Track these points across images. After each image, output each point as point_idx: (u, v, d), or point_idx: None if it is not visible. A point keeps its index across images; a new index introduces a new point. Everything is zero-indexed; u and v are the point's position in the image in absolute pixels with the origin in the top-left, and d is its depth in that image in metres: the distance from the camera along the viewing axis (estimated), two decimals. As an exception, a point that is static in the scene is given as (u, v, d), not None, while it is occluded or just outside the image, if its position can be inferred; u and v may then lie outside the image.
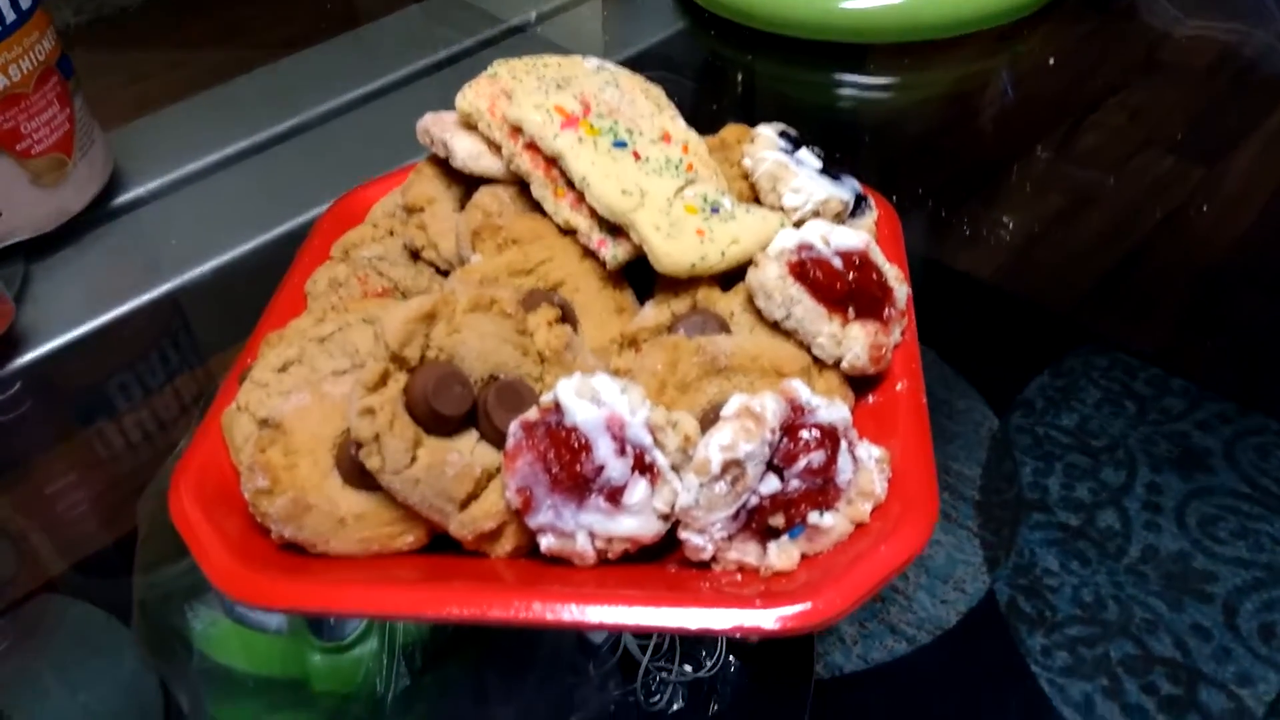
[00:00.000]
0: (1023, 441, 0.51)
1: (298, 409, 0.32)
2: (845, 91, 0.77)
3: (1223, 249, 0.61)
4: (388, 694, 0.37)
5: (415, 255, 0.40)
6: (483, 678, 0.39)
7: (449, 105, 0.41)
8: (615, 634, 0.42)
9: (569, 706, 0.41)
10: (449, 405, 0.30)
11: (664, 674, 0.41)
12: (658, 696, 0.41)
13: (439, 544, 0.32)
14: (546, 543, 0.30)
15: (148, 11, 0.91)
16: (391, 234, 0.42)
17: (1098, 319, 0.58)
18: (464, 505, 0.30)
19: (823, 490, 0.30)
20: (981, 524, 0.47)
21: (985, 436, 0.51)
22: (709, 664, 0.41)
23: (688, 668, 0.41)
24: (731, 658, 0.42)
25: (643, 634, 0.41)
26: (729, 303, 0.36)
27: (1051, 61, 0.78)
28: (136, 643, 0.41)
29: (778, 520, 0.30)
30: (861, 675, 0.42)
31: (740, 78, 0.80)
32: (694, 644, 0.42)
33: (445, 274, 0.40)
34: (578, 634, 0.42)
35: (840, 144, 0.69)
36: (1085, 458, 0.50)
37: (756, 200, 0.39)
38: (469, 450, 0.31)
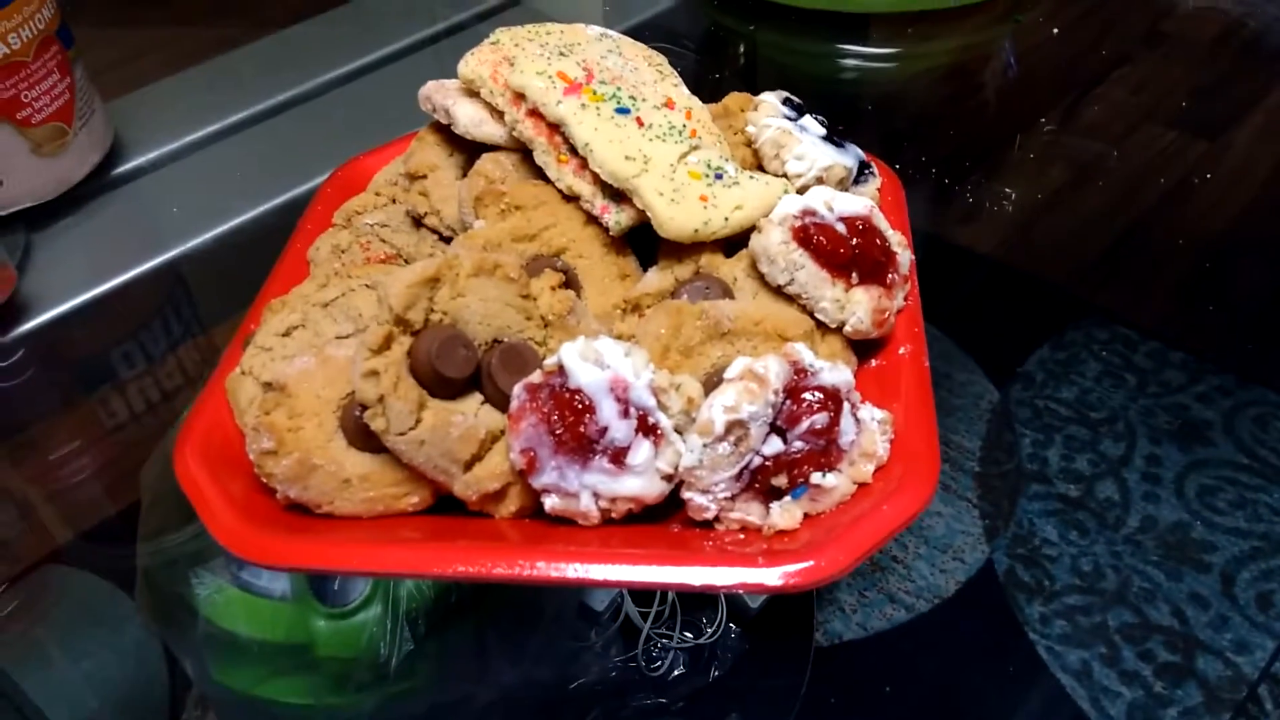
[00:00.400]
0: (1023, 414, 0.51)
1: (302, 372, 0.32)
2: (847, 62, 0.77)
3: (1224, 223, 0.61)
4: (391, 659, 0.37)
5: (418, 222, 0.40)
6: (485, 643, 0.39)
7: (449, 75, 0.41)
8: (617, 601, 0.42)
9: (571, 672, 0.41)
10: (453, 367, 0.30)
11: (665, 641, 0.41)
12: (659, 663, 0.41)
13: (443, 506, 0.32)
14: (551, 503, 0.30)
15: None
16: (394, 201, 0.42)
17: (1098, 292, 0.58)
18: (468, 466, 0.31)
19: (825, 451, 0.30)
20: (981, 495, 0.48)
21: (985, 409, 0.51)
22: (709, 631, 0.42)
23: (688, 634, 0.41)
24: (732, 625, 0.42)
25: (644, 601, 0.42)
26: (732, 268, 0.36)
27: (1055, 33, 0.77)
28: (140, 610, 0.41)
29: (780, 480, 0.30)
30: (861, 643, 0.43)
31: (742, 49, 0.79)
32: (694, 611, 0.42)
33: (448, 240, 0.40)
34: (579, 600, 0.42)
35: (842, 115, 0.69)
36: (1085, 430, 0.50)
37: (760, 167, 0.39)
38: (473, 412, 0.31)
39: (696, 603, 0.42)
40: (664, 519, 0.32)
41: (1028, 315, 0.57)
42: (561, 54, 0.40)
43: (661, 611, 0.42)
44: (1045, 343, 0.55)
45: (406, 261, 0.39)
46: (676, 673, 0.41)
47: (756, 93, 0.42)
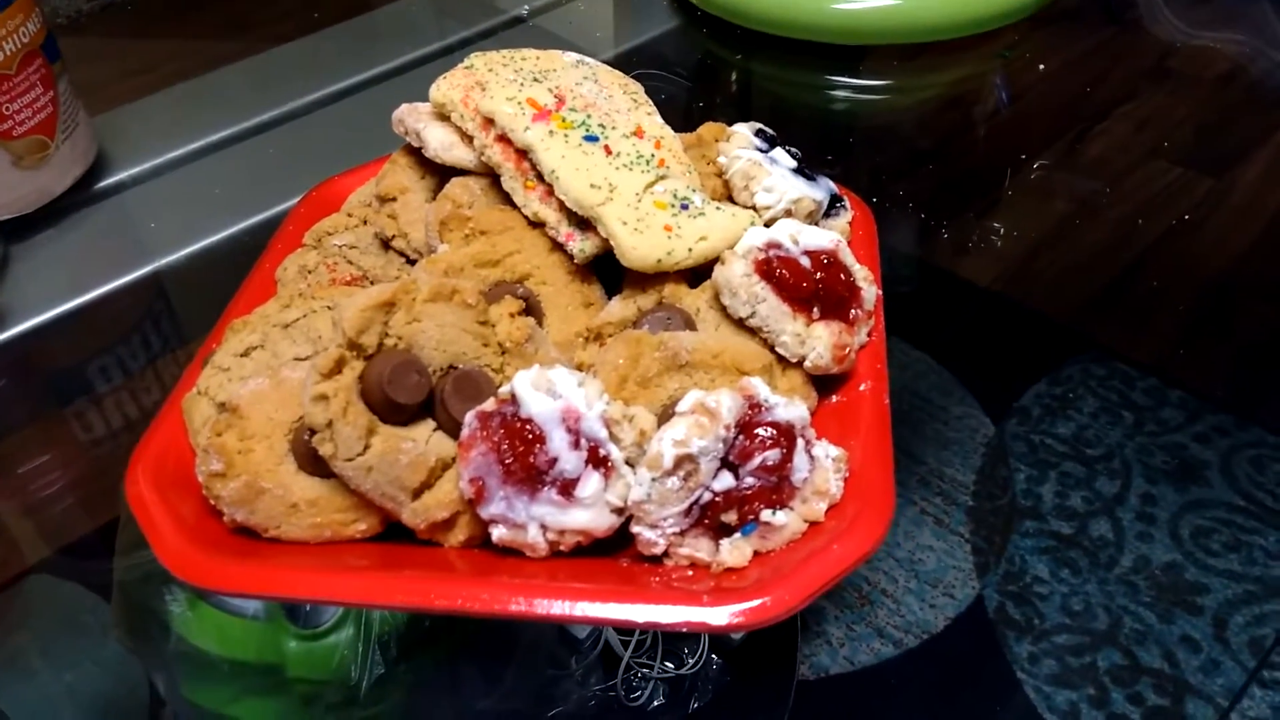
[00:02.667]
0: (1018, 449, 0.51)
1: (255, 393, 0.32)
2: (839, 93, 0.77)
3: (1226, 261, 0.61)
4: (362, 682, 0.36)
5: (386, 244, 0.40)
6: (459, 669, 0.39)
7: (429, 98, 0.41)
8: (597, 628, 0.41)
9: (549, 700, 0.40)
10: (404, 393, 0.30)
11: (645, 670, 0.40)
12: (639, 693, 0.40)
13: (394, 533, 0.32)
14: (498, 534, 0.30)
15: (155, 2, 0.91)
16: (365, 223, 0.42)
17: (1098, 328, 0.57)
18: (417, 494, 0.30)
19: (777, 488, 0.30)
20: (973, 530, 0.47)
21: (981, 443, 0.51)
22: (690, 661, 0.41)
23: (669, 665, 0.41)
24: (714, 656, 0.42)
25: (625, 629, 0.41)
26: (696, 299, 0.36)
27: (1048, 68, 0.77)
28: (114, 625, 0.41)
29: (730, 517, 0.30)
30: (847, 677, 0.42)
31: (733, 77, 0.79)
32: (676, 641, 0.42)
33: (415, 264, 0.40)
34: (559, 627, 0.42)
35: (833, 146, 0.69)
36: (1080, 466, 0.50)
37: (730, 198, 0.39)
38: (424, 439, 0.31)
39: (678, 633, 0.42)
40: (615, 552, 0.31)
41: (1025, 349, 0.56)
42: (535, 80, 0.40)
43: (643, 640, 0.42)
44: (1043, 378, 0.54)
45: (372, 283, 0.39)
46: (656, 703, 0.40)
47: (746, 121, 0.42)
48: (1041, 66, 0.77)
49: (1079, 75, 0.77)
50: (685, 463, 0.29)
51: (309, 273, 0.39)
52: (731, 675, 0.41)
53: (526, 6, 0.84)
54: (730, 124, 0.42)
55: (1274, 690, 0.41)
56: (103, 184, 0.66)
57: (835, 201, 0.40)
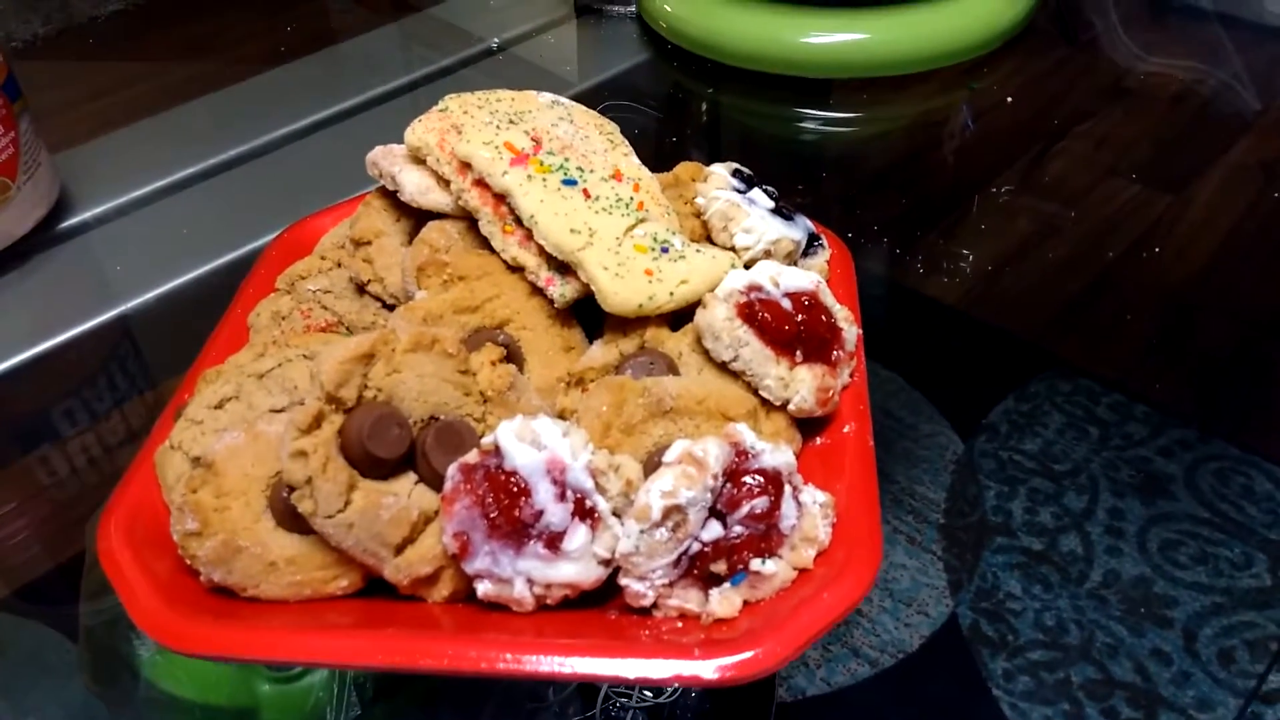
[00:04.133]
0: (987, 466, 0.51)
1: (231, 448, 0.31)
2: (808, 125, 0.78)
3: (1186, 276, 0.62)
4: None
5: (361, 289, 0.40)
6: (437, 708, 0.38)
7: (405, 134, 0.40)
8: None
9: (527, 734, 0.40)
10: (385, 447, 0.29)
11: (624, 700, 0.40)
12: None
13: (375, 587, 0.31)
14: (484, 589, 0.29)
15: (115, 24, 0.90)
16: (339, 266, 0.41)
17: (1062, 345, 0.58)
18: (399, 550, 0.30)
19: (766, 536, 0.30)
20: (945, 547, 0.47)
21: (950, 460, 0.51)
22: (669, 690, 0.41)
23: (648, 694, 0.40)
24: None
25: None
26: (678, 343, 0.35)
27: (1011, 99, 0.79)
28: (81, 670, 0.40)
29: (720, 567, 0.29)
30: (824, 698, 0.42)
31: (703, 110, 0.80)
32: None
33: (391, 308, 0.39)
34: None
35: (803, 177, 0.69)
36: (1048, 482, 0.50)
37: (708, 239, 0.39)
38: (406, 493, 0.30)
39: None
40: (602, 603, 0.31)
41: (992, 367, 0.57)
42: (511, 122, 0.40)
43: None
44: (1009, 394, 0.55)
45: (348, 330, 0.39)
46: (636, 733, 0.40)
47: (716, 155, 0.42)
48: (1008, 98, 0.79)
49: (1039, 98, 0.79)
50: (674, 514, 0.29)
51: (283, 319, 0.39)
52: (710, 702, 0.40)
53: (496, 40, 0.84)
54: (700, 157, 0.42)
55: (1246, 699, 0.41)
56: (66, 224, 0.64)
57: (813, 240, 0.40)
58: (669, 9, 0.81)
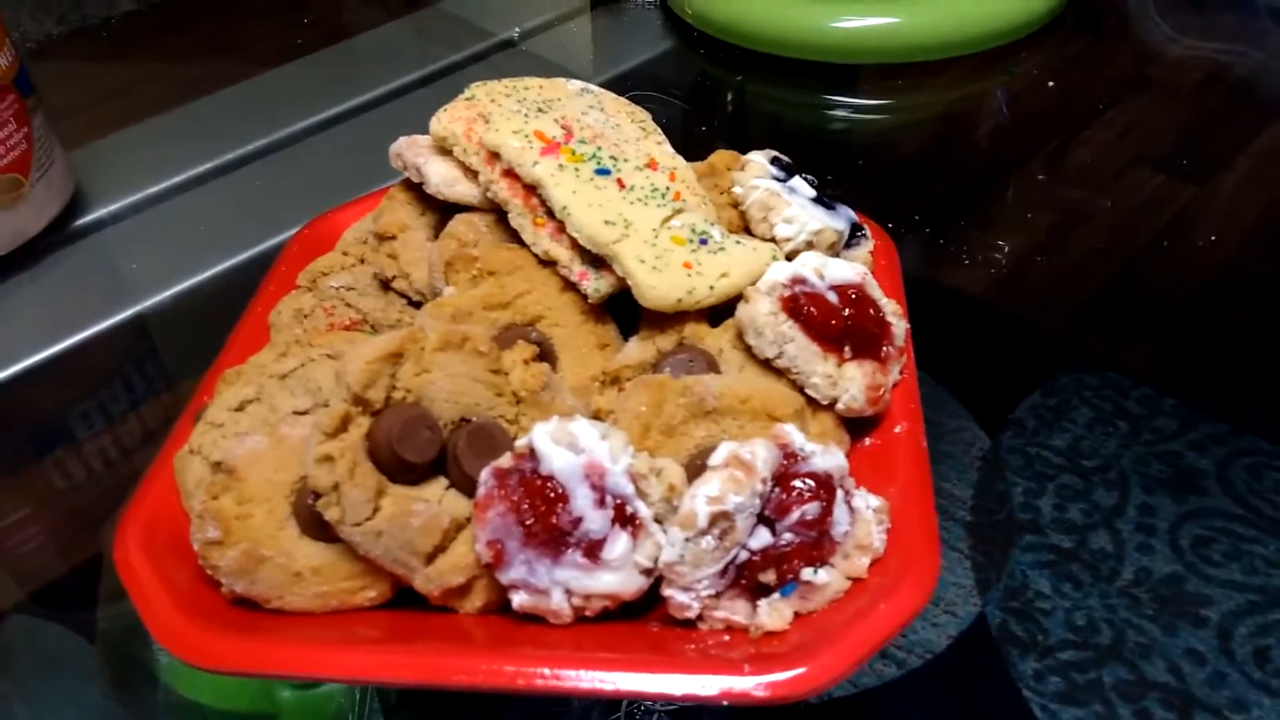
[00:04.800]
0: (1014, 462, 0.50)
1: (253, 453, 0.30)
2: (836, 113, 0.76)
3: (1214, 267, 0.61)
4: None
5: (386, 285, 0.38)
6: (461, 714, 0.38)
7: (428, 125, 0.39)
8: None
9: (551, 738, 0.39)
10: (415, 451, 0.28)
11: (649, 703, 0.39)
12: None
13: (404, 598, 0.30)
14: (519, 600, 0.28)
15: (130, 24, 0.89)
16: (362, 262, 0.40)
17: (1089, 338, 0.57)
18: (430, 559, 0.28)
19: (817, 544, 0.28)
20: (973, 545, 0.47)
21: (976, 457, 0.50)
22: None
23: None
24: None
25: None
26: (718, 339, 0.34)
27: (1044, 83, 0.77)
28: (99, 675, 0.40)
29: (769, 576, 0.28)
30: (850, 700, 0.41)
31: (730, 98, 0.78)
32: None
33: (417, 305, 0.38)
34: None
35: (831, 165, 0.68)
36: (1077, 478, 0.49)
37: (747, 230, 0.38)
38: (437, 499, 0.29)
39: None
40: (643, 614, 0.29)
41: (1018, 361, 0.56)
42: (540, 110, 0.38)
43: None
44: (1036, 389, 0.54)
45: (373, 328, 0.37)
46: (661, 736, 0.39)
47: (744, 144, 0.41)
48: (1048, 83, 0.77)
49: (1072, 85, 0.77)
50: (721, 520, 0.27)
51: (305, 317, 0.37)
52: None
53: (517, 30, 0.83)
54: (729, 146, 0.41)
55: None
56: (81, 222, 0.63)
57: (856, 231, 0.39)
58: (694, -5, 0.80)
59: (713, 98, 0.79)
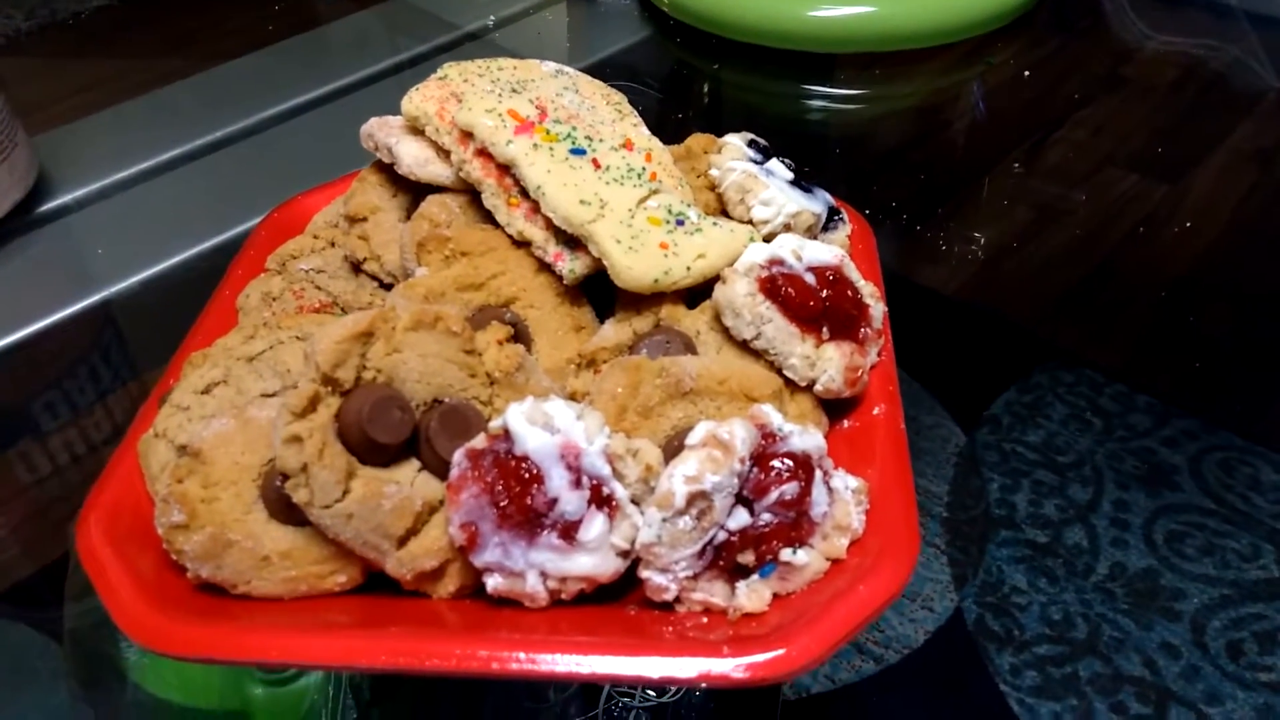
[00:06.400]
0: (990, 458, 0.50)
1: (219, 435, 0.29)
2: (813, 102, 0.76)
3: (1187, 264, 0.62)
4: None
5: (357, 268, 0.38)
6: (435, 710, 0.37)
7: (397, 112, 0.38)
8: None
9: (528, 735, 0.39)
10: (386, 432, 0.27)
11: (626, 700, 0.39)
12: None
13: (376, 582, 0.29)
14: (493, 583, 0.27)
15: (100, 19, 0.88)
16: (332, 245, 0.39)
17: (1063, 334, 0.58)
18: (402, 542, 0.28)
19: (796, 524, 0.28)
20: (949, 541, 0.47)
21: (952, 453, 0.51)
22: (673, 689, 0.39)
23: (651, 693, 0.39)
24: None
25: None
26: (695, 321, 0.33)
27: (1019, 76, 0.77)
28: (67, 673, 0.39)
29: (747, 557, 0.28)
30: (829, 695, 0.41)
31: (706, 87, 0.78)
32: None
33: (389, 288, 0.37)
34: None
35: (807, 154, 0.68)
36: (1052, 474, 0.50)
37: (724, 213, 0.37)
38: (409, 481, 0.28)
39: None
40: (619, 597, 0.29)
41: (994, 357, 0.57)
42: (514, 90, 0.38)
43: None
44: (1012, 385, 0.54)
45: (343, 310, 0.37)
46: (639, 733, 0.39)
47: (720, 132, 0.40)
48: (1022, 74, 0.77)
49: (1042, 83, 0.77)
50: (698, 500, 0.27)
51: (273, 300, 0.37)
52: (715, 701, 0.39)
53: (491, 19, 0.82)
54: (711, 134, 0.40)
55: (1256, 691, 0.41)
56: (45, 208, 0.62)
57: (833, 214, 0.38)
58: (670, -17, 0.79)
59: (689, 87, 0.79)
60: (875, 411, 0.32)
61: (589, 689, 0.39)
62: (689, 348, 0.33)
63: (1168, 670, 0.42)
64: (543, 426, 0.27)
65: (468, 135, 0.35)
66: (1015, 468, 0.50)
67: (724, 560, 0.28)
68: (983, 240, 0.62)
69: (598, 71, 0.76)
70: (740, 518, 0.28)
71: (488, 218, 0.35)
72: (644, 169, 0.35)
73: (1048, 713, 0.40)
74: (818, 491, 0.28)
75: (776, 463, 0.28)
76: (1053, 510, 0.48)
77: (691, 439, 0.27)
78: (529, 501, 0.27)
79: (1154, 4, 0.88)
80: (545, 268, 0.34)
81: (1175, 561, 0.46)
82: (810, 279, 0.33)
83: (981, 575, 0.45)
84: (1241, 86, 0.78)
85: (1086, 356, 0.55)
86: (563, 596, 0.28)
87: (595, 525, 0.27)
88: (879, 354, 0.34)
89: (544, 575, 0.27)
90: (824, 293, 0.32)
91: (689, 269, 0.33)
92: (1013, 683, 0.41)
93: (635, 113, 0.39)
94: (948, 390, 0.53)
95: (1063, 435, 0.51)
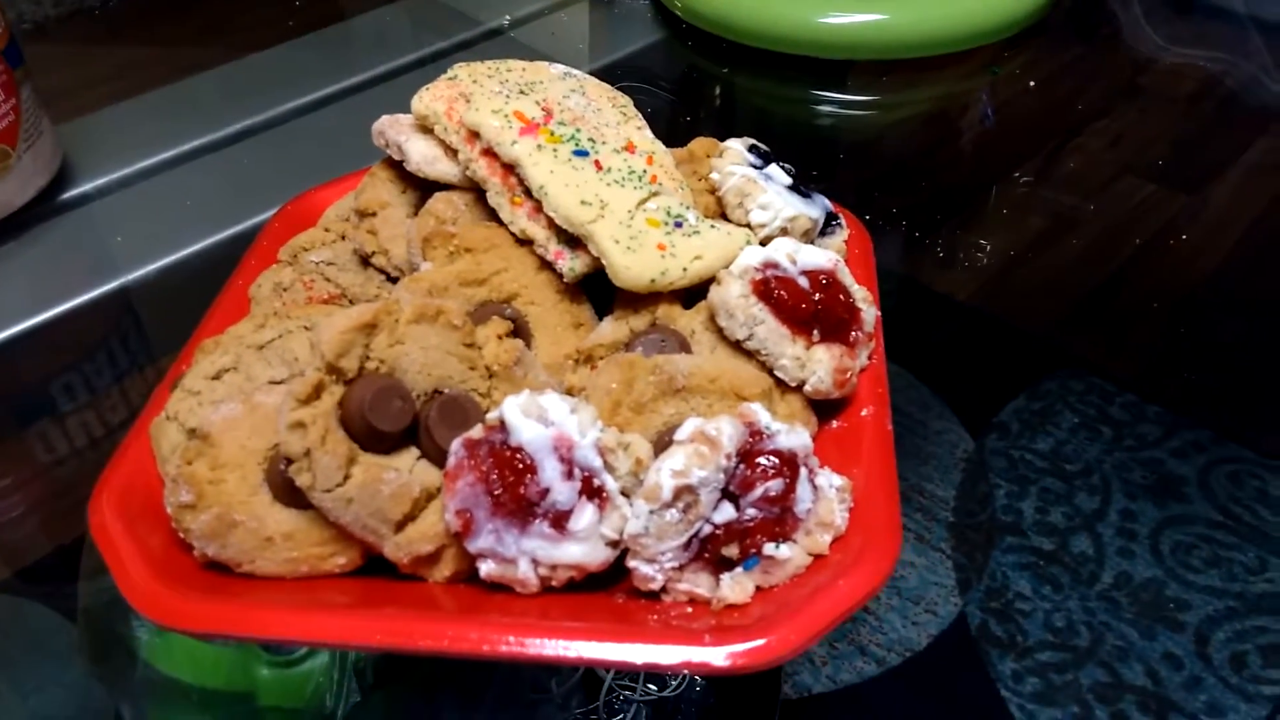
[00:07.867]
0: (997, 464, 0.51)
1: (227, 419, 0.30)
2: (824, 108, 0.77)
3: (1201, 277, 0.61)
4: (338, 710, 0.35)
5: (365, 261, 0.39)
6: (438, 695, 0.37)
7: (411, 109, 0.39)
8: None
9: (530, 724, 0.39)
10: (387, 420, 0.28)
11: (627, 693, 0.39)
12: (621, 715, 0.39)
13: (374, 566, 0.30)
14: (486, 569, 0.28)
15: (126, 7, 0.89)
16: (343, 238, 0.40)
17: (1075, 343, 0.57)
18: (400, 527, 0.29)
19: (780, 520, 0.29)
20: (954, 546, 0.47)
21: (960, 458, 0.51)
22: (673, 683, 0.40)
23: (652, 686, 0.40)
24: (697, 677, 0.41)
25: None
26: (690, 320, 0.34)
27: (1033, 85, 0.77)
28: (78, 651, 0.40)
29: (732, 550, 0.28)
30: (830, 696, 0.41)
31: (718, 91, 0.79)
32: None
33: (396, 281, 0.38)
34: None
35: (818, 161, 0.68)
36: (1060, 482, 0.50)
37: (723, 215, 0.38)
38: (408, 468, 0.29)
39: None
40: (609, 586, 0.30)
41: (1004, 364, 0.57)
42: (521, 92, 0.39)
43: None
44: (1021, 392, 0.54)
45: (351, 302, 0.38)
46: (639, 726, 0.40)
47: (731, 136, 0.41)
48: (1030, 85, 0.77)
49: (1060, 87, 0.77)
50: (685, 494, 0.27)
51: (284, 290, 0.38)
52: (715, 696, 0.40)
53: (507, 18, 0.83)
54: (715, 139, 0.41)
55: (1258, 704, 0.41)
56: (67, 195, 0.63)
57: (831, 219, 0.39)
58: (685, -13, 0.80)
59: (700, 90, 0.79)
60: (864, 413, 0.33)
61: (590, 682, 0.40)
62: (684, 347, 0.34)
63: (1170, 680, 0.42)
64: (538, 419, 0.28)
65: (474, 135, 0.36)
66: (1023, 475, 0.50)
67: (709, 553, 0.28)
68: (996, 247, 0.62)
69: (611, 72, 0.77)
70: (726, 512, 0.28)
71: (492, 216, 0.36)
72: (645, 171, 0.36)
73: (1048, 719, 0.40)
74: (802, 489, 0.29)
75: (763, 460, 0.29)
76: (1059, 518, 0.48)
77: (680, 434, 0.28)
78: (522, 491, 0.28)
79: (1169, 16, 0.88)
80: (546, 266, 0.35)
81: (1181, 572, 0.46)
82: (803, 282, 0.33)
83: (986, 580, 0.45)
84: (1258, 102, 0.78)
85: (1097, 366, 0.55)
86: (553, 583, 0.29)
87: (585, 515, 0.28)
88: (869, 357, 0.34)
89: (535, 562, 0.28)
90: (816, 296, 0.33)
91: (685, 270, 0.34)
92: (1014, 688, 0.41)
93: (640, 116, 0.40)
94: (957, 396, 0.54)
95: (1071, 444, 0.51)
